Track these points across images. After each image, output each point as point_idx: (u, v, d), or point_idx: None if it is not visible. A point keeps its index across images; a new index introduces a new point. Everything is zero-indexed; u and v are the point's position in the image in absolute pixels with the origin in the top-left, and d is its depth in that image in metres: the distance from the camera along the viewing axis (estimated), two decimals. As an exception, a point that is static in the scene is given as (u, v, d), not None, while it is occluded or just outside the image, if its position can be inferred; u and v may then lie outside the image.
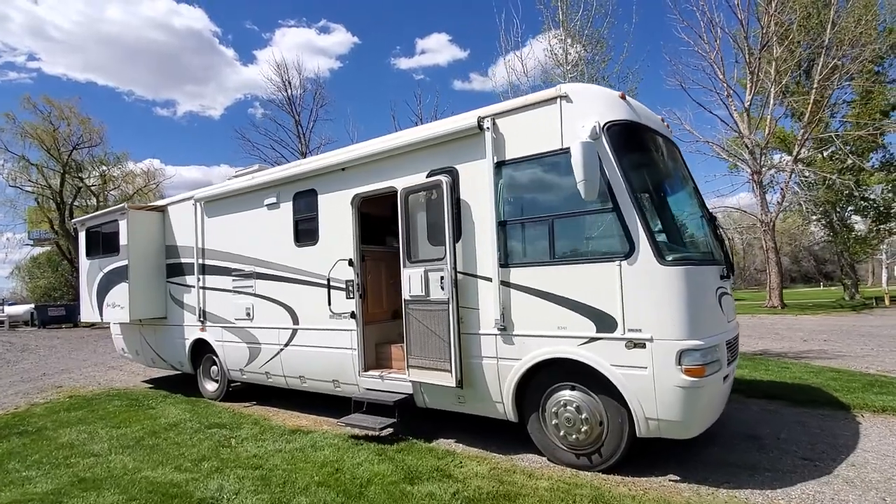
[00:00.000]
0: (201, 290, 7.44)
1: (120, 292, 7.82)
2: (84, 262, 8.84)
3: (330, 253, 5.76)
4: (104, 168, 34.86)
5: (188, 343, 7.72)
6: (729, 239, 4.92)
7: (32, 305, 29.38)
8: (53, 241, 34.68)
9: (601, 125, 4.03)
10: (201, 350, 7.66)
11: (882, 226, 26.46)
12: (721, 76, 22.02)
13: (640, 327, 3.78)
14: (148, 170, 38.28)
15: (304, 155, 26.95)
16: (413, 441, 4.98)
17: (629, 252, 3.83)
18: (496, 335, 4.48)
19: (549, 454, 4.37)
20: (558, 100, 4.24)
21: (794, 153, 22.69)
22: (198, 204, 7.49)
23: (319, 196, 5.98)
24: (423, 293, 4.80)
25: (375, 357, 5.80)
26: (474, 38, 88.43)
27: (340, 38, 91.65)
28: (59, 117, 31.69)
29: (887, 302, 23.96)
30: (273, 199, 6.47)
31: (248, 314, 6.77)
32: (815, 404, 5.75)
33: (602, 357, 3.93)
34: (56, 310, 27.51)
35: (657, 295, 3.73)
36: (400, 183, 5.14)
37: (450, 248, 4.63)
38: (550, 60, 12.26)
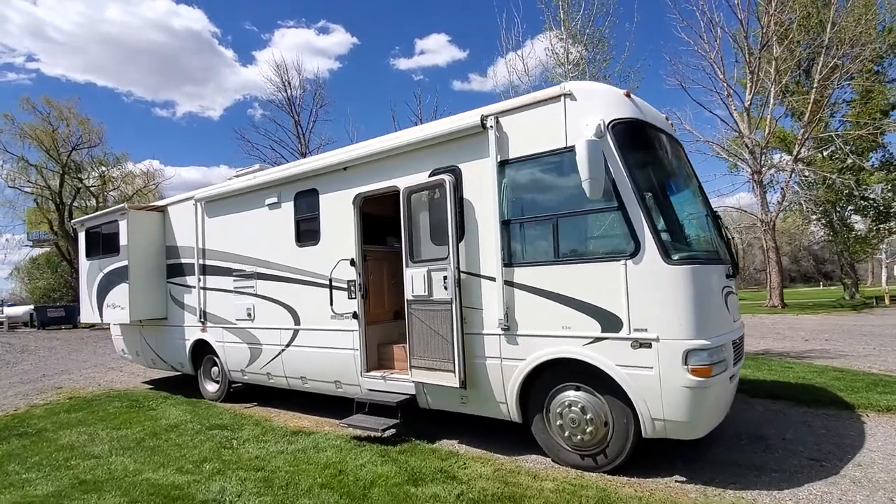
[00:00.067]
0: (202, 291, 7.40)
1: (120, 293, 7.78)
2: (84, 263, 8.80)
3: (331, 253, 5.73)
4: (103, 169, 34.88)
5: (189, 344, 7.68)
6: (732, 238, 4.90)
7: (32, 306, 29.33)
8: (53, 241, 34.67)
9: (606, 123, 4.00)
10: (202, 351, 7.62)
11: (882, 225, 26.49)
12: (721, 76, 22.05)
13: (645, 327, 3.74)
14: (147, 170, 38.36)
15: (303, 155, 26.92)
16: (416, 442, 4.94)
17: (635, 251, 3.80)
18: (500, 335, 4.45)
19: (554, 455, 4.34)
20: (562, 98, 4.21)
21: (794, 153, 22.71)
22: (198, 204, 7.45)
23: (321, 196, 5.95)
24: (426, 293, 4.77)
25: (377, 357, 5.76)
26: (474, 39, 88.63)
27: (340, 39, 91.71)
28: (58, 118, 31.71)
29: (887, 301, 23.97)
30: (274, 199, 6.44)
31: (249, 315, 6.74)
32: (819, 404, 5.72)
33: (607, 357, 3.90)
34: (55, 311, 27.46)
35: (663, 294, 3.70)
36: (402, 182, 5.11)
37: (453, 248, 4.60)
38: (552, 60, 12.26)
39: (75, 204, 32.87)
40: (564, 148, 4.14)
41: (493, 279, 4.48)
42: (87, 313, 8.71)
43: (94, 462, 4.85)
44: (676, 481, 3.88)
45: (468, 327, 4.62)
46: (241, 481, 4.14)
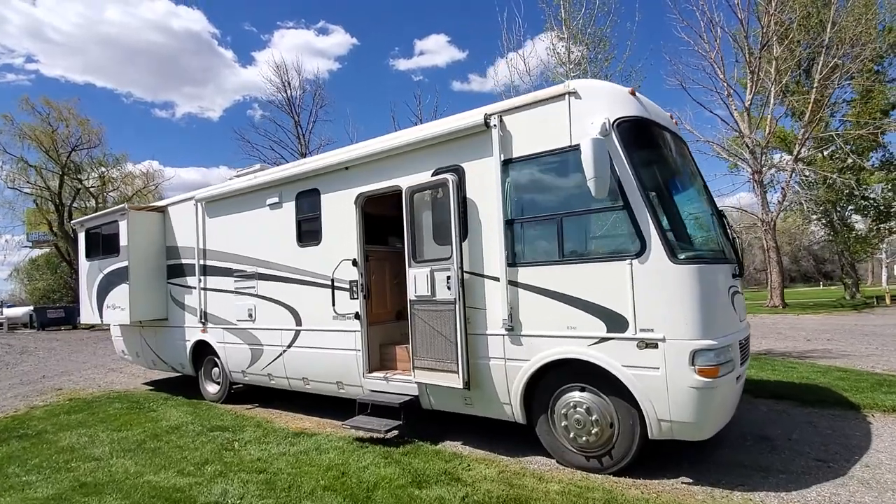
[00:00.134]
0: (202, 292, 7.37)
1: (120, 294, 7.74)
2: (84, 264, 8.75)
3: (333, 253, 5.69)
4: (103, 169, 34.81)
5: (189, 345, 7.64)
6: (737, 237, 4.86)
7: (31, 307, 29.27)
8: (52, 242, 34.60)
9: (611, 122, 3.97)
10: (203, 352, 7.58)
11: (882, 225, 26.48)
12: (721, 76, 22.02)
13: (652, 327, 3.71)
14: (147, 171, 38.31)
15: (303, 155, 26.89)
16: (419, 443, 4.91)
17: (640, 250, 3.76)
18: (504, 336, 4.41)
19: (558, 456, 4.30)
20: (567, 96, 4.18)
21: (795, 152, 22.68)
22: (199, 204, 7.42)
23: (322, 195, 5.91)
24: (429, 293, 4.74)
25: (380, 358, 5.73)
26: (473, 39, 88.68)
27: (339, 40, 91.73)
28: (57, 119, 31.65)
29: (888, 301, 23.96)
30: (275, 199, 6.40)
31: (250, 315, 6.70)
32: (824, 404, 5.69)
33: (613, 357, 3.86)
34: (55, 312, 27.40)
35: (670, 294, 3.67)
36: (405, 182, 5.08)
37: (456, 248, 4.56)
38: (553, 59, 12.23)
39: (75, 205, 32.80)
40: (569, 147, 4.11)
41: (496, 279, 4.44)
42: (87, 314, 8.67)
43: (95, 464, 4.81)
44: (683, 483, 3.85)
45: (472, 328, 4.59)
46: (244, 483, 4.10)
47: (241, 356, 6.87)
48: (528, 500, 3.58)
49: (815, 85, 20.97)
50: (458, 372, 4.52)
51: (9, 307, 31.42)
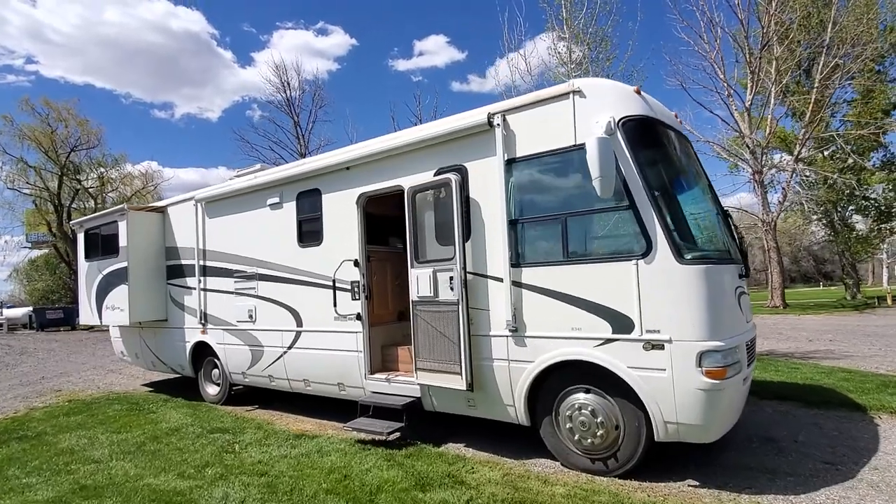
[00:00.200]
0: (202, 292, 7.32)
1: (119, 294, 7.69)
2: (83, 264, 8.71)
3: (334, 254, 5.65)
4: (102, 170, 34.73)
5: (189, 346, 7.59)
6: (742, 237, 4.82)
7: (30, 308, 29.23)
8: (51, 243, 34.51)
9: (616, 121, 3.92)
10: (202, 353, 7.53)
11: (883, 225, 26.44)
12: (721, 76, 21.95)
13: (658, 328, 3.67)
14: (146, 172, 38.20)
15: (303, 156, 26.85)
16: (422, 446, 4.86)
17: (646, 251, 3.72)
18: (508, 337, 4.37)
19: (563, 459, 4.26)
20: (571, 95, 4.14)
21: (795, 153, 22.64)
22: (199, 204, 7.37)
23: (323, 196, 5.86)
24: (432, 294, 4.69)
25: (381, 359, 5.68)
26: (472, 40, 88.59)
27: (338, 40, 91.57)
28: (57, 119, 31.58)
29: (889, 301, 23.91)
30: (276, 199, 6.36)
31: (250, 316, 6.65)
32: (829, 406, 5.64)
33: (618, 359, 3.82)
34: (54, 312, 27.34)
35: (676, 295, 3.62)
36: (407, 182, 5.03)
37: (459, 248, 4.51)
38: (554, 59, 12.19)
39: (74, 205, 32.71)
40: (574, 146, 4.07)
41: (500, 280, 4.40)
42: (87, 315, 8.62)
43: (95, 467, 4.77)
44: (690, 486, 3.80)
45: (475, 329, 4.54)
46: (245, 487, 4.05)
47: (241, 357, 6.82)
48: (534, 504, 3.53)
49: (816, 85, 20.93)
50: (461, 373, 4.47)
51: (8, 308, 31.40)
